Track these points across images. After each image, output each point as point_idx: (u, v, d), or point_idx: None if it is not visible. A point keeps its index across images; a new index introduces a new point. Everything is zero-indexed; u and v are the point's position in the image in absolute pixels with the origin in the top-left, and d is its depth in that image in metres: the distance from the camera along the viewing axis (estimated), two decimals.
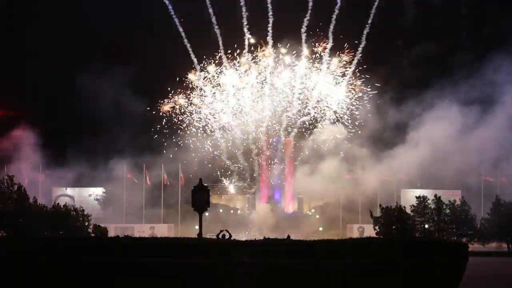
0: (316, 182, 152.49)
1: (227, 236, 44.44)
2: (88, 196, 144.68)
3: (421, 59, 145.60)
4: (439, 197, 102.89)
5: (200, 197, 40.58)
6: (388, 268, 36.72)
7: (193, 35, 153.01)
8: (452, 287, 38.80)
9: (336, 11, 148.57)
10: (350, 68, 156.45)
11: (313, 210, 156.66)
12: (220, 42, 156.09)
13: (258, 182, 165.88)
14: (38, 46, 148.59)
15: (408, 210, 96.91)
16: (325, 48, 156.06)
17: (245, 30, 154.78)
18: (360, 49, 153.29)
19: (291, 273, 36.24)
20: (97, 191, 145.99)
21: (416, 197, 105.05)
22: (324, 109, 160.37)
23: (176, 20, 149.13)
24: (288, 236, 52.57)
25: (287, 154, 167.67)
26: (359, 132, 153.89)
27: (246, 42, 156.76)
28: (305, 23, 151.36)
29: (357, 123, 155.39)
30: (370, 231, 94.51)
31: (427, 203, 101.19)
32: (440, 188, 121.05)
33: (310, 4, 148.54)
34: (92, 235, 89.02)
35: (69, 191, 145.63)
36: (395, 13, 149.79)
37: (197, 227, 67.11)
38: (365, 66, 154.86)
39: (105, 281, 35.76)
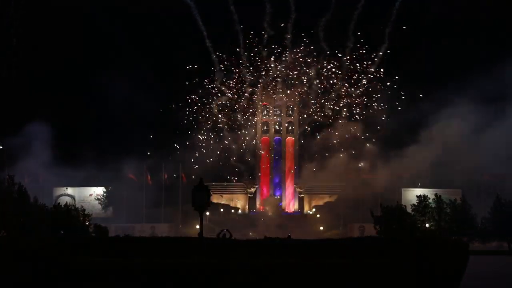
0: (320, 181, 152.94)
1: (227, 236, 44.42)
2: (88, 196, 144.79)
3: (436, 59, 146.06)
4: (440, 196, 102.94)
5: (200, 197, 40.50)
6: (388, 267, 36.69)
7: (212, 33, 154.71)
8: (452, 286, 38.76)
9: (359, 9, 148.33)
10: (370, 67, 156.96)
11: (313, 210, 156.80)
12: (241, 39, 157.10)
13: (258, 182, 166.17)
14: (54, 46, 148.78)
15: (409, 209, 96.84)
16: (345, 47, 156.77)
17: (265, 25, 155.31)
18: (383, 48, 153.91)
19: (291, 272, 36.21)
20: (98, 191, 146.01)
21: (416, 196, 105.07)
22: (340, 107, 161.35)
23: (199, 21, 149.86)
24: (289, 236, 52.58)
25: (289, 153, 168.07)
26: (373, 135, 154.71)
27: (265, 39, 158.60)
28: (324, 21, 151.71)
29: (375, 118, 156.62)
30: (371, 230, 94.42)
31: (427, 202, 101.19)
32: (441, 187, 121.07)
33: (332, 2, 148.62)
34: (93, 234, 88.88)
35: (70, 190, 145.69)
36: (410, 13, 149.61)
37: (197, 226, 67.22)
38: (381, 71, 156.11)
39: (105, 280, 35.76)
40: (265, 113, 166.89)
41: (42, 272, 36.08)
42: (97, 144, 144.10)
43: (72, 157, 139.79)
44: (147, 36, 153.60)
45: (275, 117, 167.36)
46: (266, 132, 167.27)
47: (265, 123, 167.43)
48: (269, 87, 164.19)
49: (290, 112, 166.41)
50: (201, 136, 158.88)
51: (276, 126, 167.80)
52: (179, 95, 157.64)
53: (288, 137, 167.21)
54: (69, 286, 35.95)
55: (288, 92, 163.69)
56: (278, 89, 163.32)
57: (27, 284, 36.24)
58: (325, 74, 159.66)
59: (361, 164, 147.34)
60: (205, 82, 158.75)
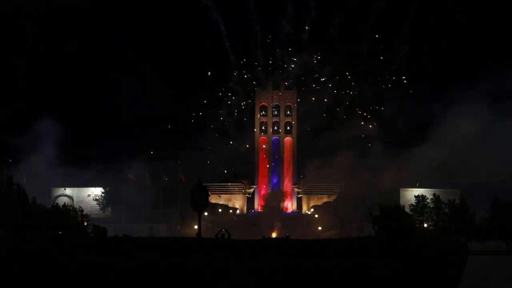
0: (318, 181, 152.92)
1: (226, 236, 44.42)
2: (87, 196, 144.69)
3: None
4: (438, 196, 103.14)
5: (199, 197, 40.56)
6: (387, 267, 36.73)
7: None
8: (451, 286, 38.80)
9: (377, 9, 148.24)
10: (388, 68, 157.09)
11: (312, 210, 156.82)
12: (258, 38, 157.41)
13: (257, 182, 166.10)
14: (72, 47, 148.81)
15: (408, 210, 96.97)
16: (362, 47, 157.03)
17: (284, 23, 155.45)
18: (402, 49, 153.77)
19: (290, 272, 36.25)
20: (96, 191, 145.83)
21: (415, 196, 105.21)
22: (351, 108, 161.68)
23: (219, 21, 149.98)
24: (287, 236, 52.65)
25: (287, 154, 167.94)
26: (378, 135, 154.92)
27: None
28: (341, 22, 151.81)
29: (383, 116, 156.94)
30: (369, 230, 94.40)
31: (426, 202, 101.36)
32: (440, 188, 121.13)
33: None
34: (91, 235, 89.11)
35: (68, 191, 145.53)
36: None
37: (196, 226, 67.25)
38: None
39: (105, 281, 35.77)
40: (264, 113, 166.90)
41: (42, 272, 36.09)
42: (96, 144, 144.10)
43: (71, 157, 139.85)
44: (155, 36, 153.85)
45: (273, 117, 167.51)
46: (264, 132, 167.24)
47: (264, 123, 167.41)
48: (269, 86, 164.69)
49: (289, 112, 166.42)
50: (205, 137, 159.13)
51: (275, 127, 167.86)
52: (187, 96, 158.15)
53: (287, 137, 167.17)
54: (69, 286, 35.97)
55: (297, 93, 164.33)
56: (283, 88, 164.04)
57: (27, 284, 36.25)
58: (339, 75, 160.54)
59: (366, 175, 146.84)
60: (217, 83, 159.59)
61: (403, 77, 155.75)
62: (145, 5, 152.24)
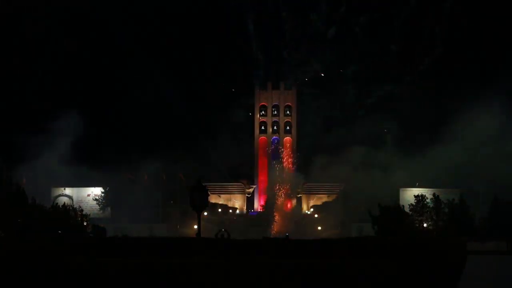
0: (318, 181, 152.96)
1: (225, 236, 44.49)
2: (86, 196, 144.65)
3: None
4: (438, 196, 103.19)
5: (198, 197, 40.64)
6: (386, 267, 36.77)
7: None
8: (450, 286, 38.84)
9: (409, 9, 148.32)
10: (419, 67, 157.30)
11: (311, 210, 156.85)
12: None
13: (257, 182, 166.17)
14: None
15: (407, 209, 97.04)
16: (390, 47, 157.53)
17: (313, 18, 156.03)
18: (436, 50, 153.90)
19: (290, 272, 36.30)
20: (96, 191, 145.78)
21: (414, 196, 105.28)
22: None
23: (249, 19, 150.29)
24: (287, 236, 52.77)
25: (286, 153, 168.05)
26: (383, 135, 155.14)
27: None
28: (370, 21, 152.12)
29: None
30: (369, 230, 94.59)
31: (425, 202, 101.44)
32: (439, 187, 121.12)
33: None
34: (91, 235, 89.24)
35: (68, 191, 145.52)
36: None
37: (195, 226, 67.42)
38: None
39: (105, 281, 35.80)
40: (263, 113, 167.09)
41: (42, 272, 36.12)
42: (96, 144, 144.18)
43: (71, 157, 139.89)
44: (156, 35, 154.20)
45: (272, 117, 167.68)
46: (264, 132, 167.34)
47: (263, 123, 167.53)
48: (269, 86, 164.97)
49: (288, 112, 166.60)
50: (206, 137, 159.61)
51: (274, 126, 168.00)
52: (193, 96, 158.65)
53: (286, 137, 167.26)
54: (69, 286, 36.00)
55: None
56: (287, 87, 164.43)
57: (27, 284, 36.28)
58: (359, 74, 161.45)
59: (367, 175, 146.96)
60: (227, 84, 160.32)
61: (425, 78, 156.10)
62: (152, 5, 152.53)
